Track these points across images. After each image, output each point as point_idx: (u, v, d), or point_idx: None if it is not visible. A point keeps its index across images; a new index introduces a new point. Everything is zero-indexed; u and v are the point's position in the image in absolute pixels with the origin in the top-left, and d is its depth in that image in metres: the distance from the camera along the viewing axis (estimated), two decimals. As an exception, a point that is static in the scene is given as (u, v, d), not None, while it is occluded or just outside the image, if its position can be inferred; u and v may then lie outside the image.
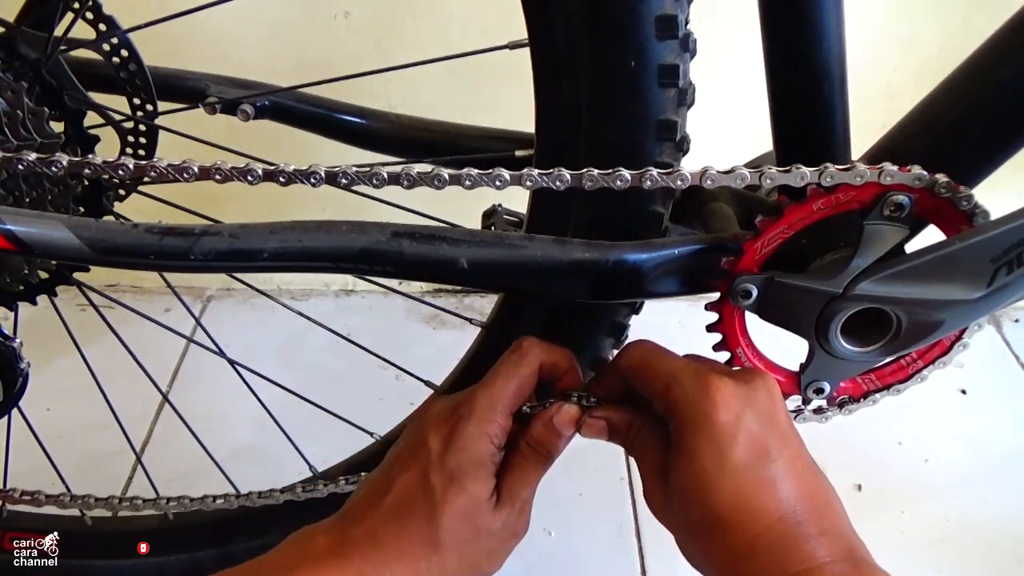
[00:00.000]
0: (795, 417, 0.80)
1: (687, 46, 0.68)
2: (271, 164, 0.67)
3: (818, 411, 0.81)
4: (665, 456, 0.69)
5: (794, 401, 0.78)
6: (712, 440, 0.64)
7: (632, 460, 1.38)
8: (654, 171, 0.67)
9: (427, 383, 0.99)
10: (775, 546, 0.62)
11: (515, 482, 0.73)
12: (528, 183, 0.68)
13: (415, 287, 1.79)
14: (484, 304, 1.78)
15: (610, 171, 0.67)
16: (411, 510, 0.70)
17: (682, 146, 0.73)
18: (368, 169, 0.67)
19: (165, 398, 1.13)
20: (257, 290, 1.15)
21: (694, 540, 0.66)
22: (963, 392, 1.57)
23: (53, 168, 0.66)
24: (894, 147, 0.72)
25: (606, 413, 0.75)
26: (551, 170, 0.67)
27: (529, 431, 0.75)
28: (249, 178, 0.67)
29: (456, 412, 0.73)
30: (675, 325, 1.64)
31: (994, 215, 0.67)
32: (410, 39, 1.47)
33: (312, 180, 0.67)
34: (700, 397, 0.66)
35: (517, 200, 0.85)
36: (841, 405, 0.80)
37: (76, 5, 0.79)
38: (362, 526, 0.71)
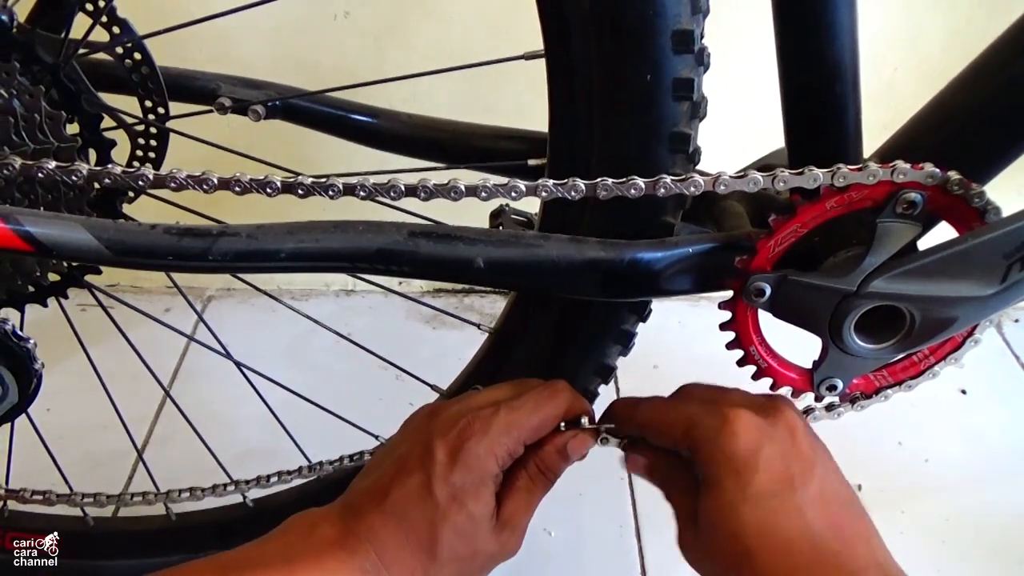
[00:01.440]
0: (807, 416, 0.81)
1: (702, 60, 0.68)
2: (290, 176, 0.68)
3: (830, 408, 0.81)
4: (694, 501, 0.70)
5: (807, 398, 0.78)
6: (733, 471, 0.65)
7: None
8: (668, 179, 0.67)
9: (431, 386, 0.99)
10: (817, 570, 0.62)
11: (518, 507, 0.74)
12: (543, 194, 0.68)
13: (415, 288, 1.79)
14: (484, 304, 1.78)
15: (624, 180, 0.68)
16: (412, 518, 0.70)
17: (694, 158, 0.73)
18: (386, 182, 0.68)
19: (168, 395, 1.13)
20: (258, 290, 1.15)
21: (727, 573, 0.65)
22: (963, 392, 1.57)
23: (73, 177, 0.67)
24: (905, 145, 0.72)
25: (647, 450, 0.76)
26: (566, 180, 0.68)
27: (540, 455, 0.75)
28: (268, 190, 0.68)
29: (469, 424, 0.72)
30: (675, 325, 1.64)
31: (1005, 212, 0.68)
32: (410, 39, 1.47)
33: (330, 193, 0.68)
34: (719, 431, 0.67)
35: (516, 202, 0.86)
36: (853, 401, 0.80)
37: (90, 8, 0.79)
38: (365, 523, 0.70)
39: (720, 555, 0.65)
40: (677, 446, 0.71)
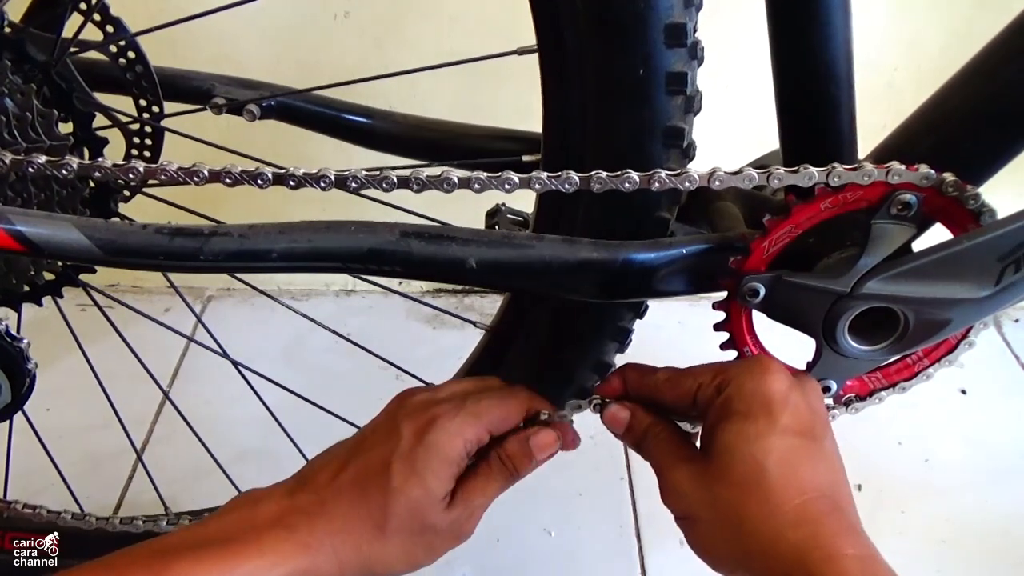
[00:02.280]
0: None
1: (695, 54, 0.68)
2: (280, 168, 0.68)
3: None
4: (688, 448, 0.71)
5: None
6: (767, 402, 0.66)
7: (631, 460, 1.41)
8: (662, 173, 0.67)
9: (427, 384, 0.99)
10: (822, 521, 0.62)
11: (474, 488, 0.74)
12: (537, 186, 0.68)
13: (415, 287, 1.79)
14: (484, 304, 1.78)
15: (618, 173, 0.67)
16: (366, 490, 0.70)
17: (688, 152, 0.73)
18: (378, 173, 0.68)
19: (167, 396, 1.13)
20: (258, 290, 1.15)
21: (735, 504, 0.64)
22: (963, 392, 1.57)
23: (63, 171, 0.66)
24: (900, 146, 0.72)
25: (633, 407, 0.76)
26: (560, 173, 0.67)
27: (504, 445, 0.76)
28: (259, 182, 0.67)
29: (438, 407, 0.74)
30: (674, 325, 1.64)
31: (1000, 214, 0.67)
32: (410, 39, 1.47)
33: (322, 184, 0.67)
34: (756, 367, 0.69)
35: (513, 202, 0.86)
36: (847, 404, 0.80)
37: (84, 7, 0.79)
38: (314, 496, 0.71)
39: (734, 480, 0.65)
40: (699, 391, 0.71)
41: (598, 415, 0.77)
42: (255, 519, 0.69)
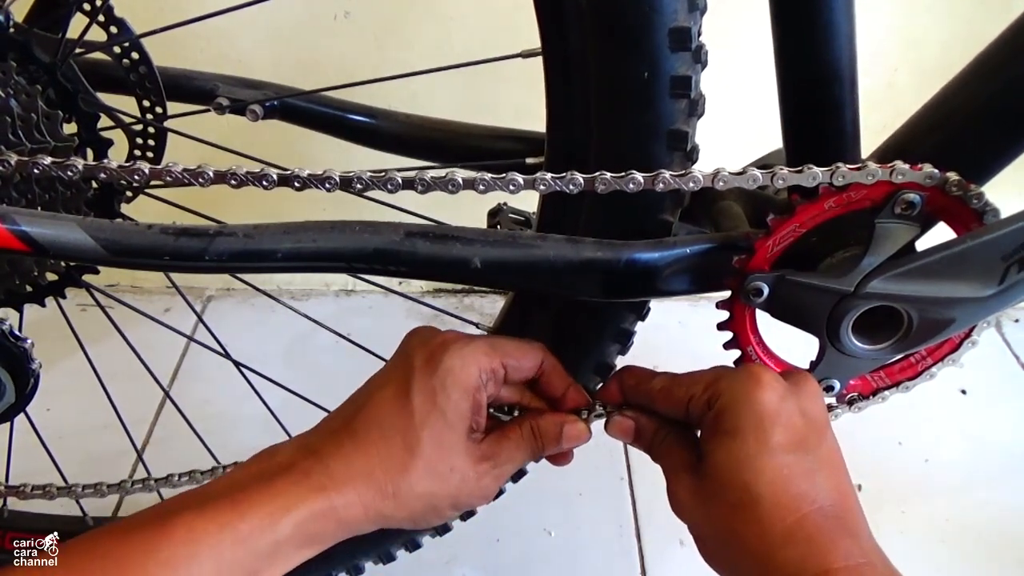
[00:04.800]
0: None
1: (699, 58, 0.68)
2: (285, 169, 0.68)
3: (828, 409, 0.81)
4: (692, 456, 0.70)
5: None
6: (756, 422, 0.65)
7: (631, 460, 1.41)
8: (666, 173, 0.67)
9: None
10: (815, 537, 0.61)
11: (503, 449, 0.73)
12: (542, 187, 0.68)
13: (415, 288, 1.79)
14: (484, 305, 1.78)
15: (622, 174, 0.67)
16: (386, 428, 0.69)
17: (692, 156, 0.73)
18: (383, 174, 0.68)
19: (167, 396, 1.13)
20: (258, 290, 1.15)
21: (728, 523, 0.65)
22: (963, 392, 1.57)
23: (69, 172, 0.66)
24: (903, 145, 0.72)
25: (635, 415, 0.76)
26: (564, 174, 0.68)
27: (540, 418, 0.75)
28: (264, 183, 0.67)
29: (448, 334, 0.73)
30: (675, 325, 1.64)
31: (1003, 213, 0.68)
32: (410, 39, 1.47)
33: (327, 185, 0.67)
34: (746, 382, 0.67)
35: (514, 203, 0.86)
36: (851, 403, 0.80)
37: (88, 8, 0.79)
38: (330, 439, 0.69)
39: (727, 502, 0.65)
40: (691, 403, 0.70)
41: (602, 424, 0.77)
42: (267, 469, 0.67)
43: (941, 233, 0.70)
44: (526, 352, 0.75)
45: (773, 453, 0.64)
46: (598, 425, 0.78)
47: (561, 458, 0.79)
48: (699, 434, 0.71)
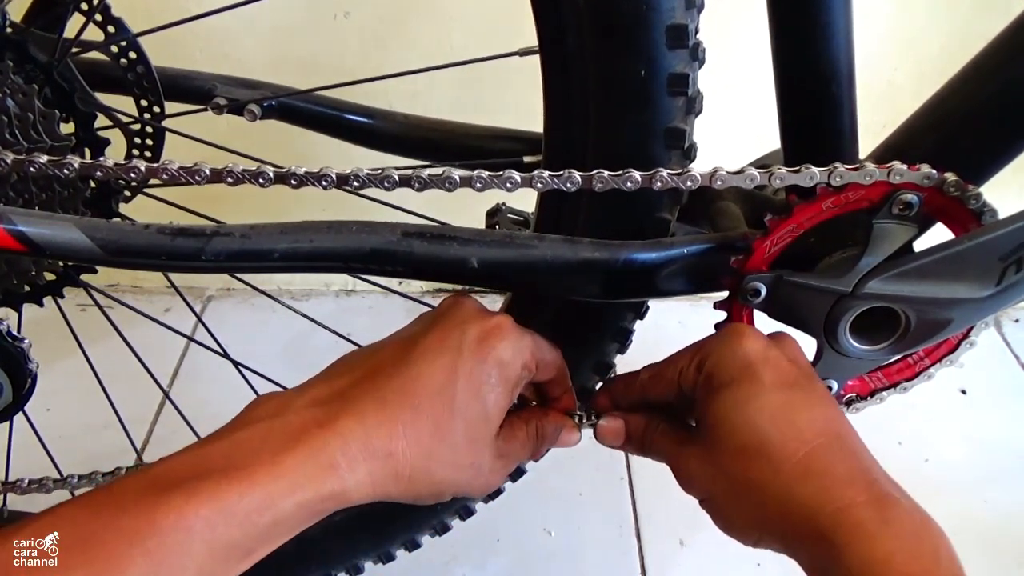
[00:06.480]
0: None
1: (696, 55, 0.68)
2: (282, 167, 0.67)
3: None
4: (688, 432, 0.70)
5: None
6: (747, 365, 0.66)
7: (631, 460, 1.40)
8: (664, 172, 0.67)
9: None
10: (829, 470, 0.61)
11: (513, 449, 0.71)
12: (539, 185, 0.68)
13: (415, 287, 1.79)
14: (484, 304, 1.77)
15: (620, 172, 0.67)
16: (419, 409, 0.63)
17: (690, 154, 0.73)
18: (380, 172, 0.67)
19: (167, 396, 1.13)
20: (258, 290, 1.15)
21: (742, 472, 0.63)
22: (963, 392, 1.57)
23: (65, 171, 0.66)
24: (901, 146, 0.72)
25: (622, 414, 0.76)
26: (561, 172, 0.67)
27: (543, 420, 0.75)
28: (261, 181, 0.67)
29: (502, 319, 0.69)
30: (675, 325, 1.64)
31: (1001, 214, 0.67)
32: (410, 39, 1.47)
33: (323, 183, 0.67)
34: (730, 336, 0.69)
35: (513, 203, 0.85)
36: (849, 403, 0.80)
37: (85, 7, 0.79)
38: (353, 405, 0.62)
39: (735, 448, 0.64)
40: (682, 377, 0.70)
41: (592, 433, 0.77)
42: (270, 435, 0.60)
43: (939, 234, 0.70)
44: (554, 352, 0.74)
45: (769, 391, 0.64)
46: (588, 429, 0.78)
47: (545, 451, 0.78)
48: (696, 405, 0.69)
